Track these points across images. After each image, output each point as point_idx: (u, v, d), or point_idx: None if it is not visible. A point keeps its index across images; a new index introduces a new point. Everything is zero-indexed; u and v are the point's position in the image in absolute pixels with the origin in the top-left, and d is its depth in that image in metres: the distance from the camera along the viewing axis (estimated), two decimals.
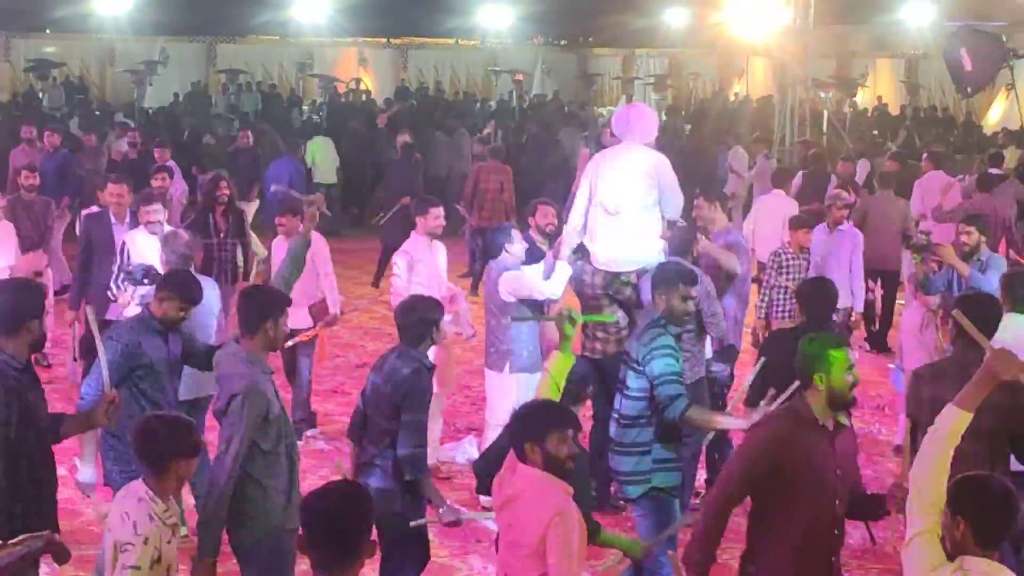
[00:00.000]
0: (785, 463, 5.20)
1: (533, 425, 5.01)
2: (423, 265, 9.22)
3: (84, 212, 12.42)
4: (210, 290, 7.77)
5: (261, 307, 6.00)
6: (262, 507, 5.85)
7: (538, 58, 37.71)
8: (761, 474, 5.25)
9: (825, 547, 5.32)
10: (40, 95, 29.84)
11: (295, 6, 35.19)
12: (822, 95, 24.92)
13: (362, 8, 34.86)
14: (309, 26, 35.87)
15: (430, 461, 7.28)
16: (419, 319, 6.49)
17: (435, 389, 6.73)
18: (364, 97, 32.75)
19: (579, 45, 41.03)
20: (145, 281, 7.93)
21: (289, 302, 6.26)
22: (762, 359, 7.12)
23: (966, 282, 8.96)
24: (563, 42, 41.57)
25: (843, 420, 5.39)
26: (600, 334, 8.78)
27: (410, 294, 7.80)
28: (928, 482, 4.41)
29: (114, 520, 4.98)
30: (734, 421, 6.87)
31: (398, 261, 9.24)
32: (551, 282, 8.58)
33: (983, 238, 9.33)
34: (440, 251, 9.56)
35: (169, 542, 4.94)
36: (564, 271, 8.62)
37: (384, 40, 38.46)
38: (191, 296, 6.76)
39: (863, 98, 33.44)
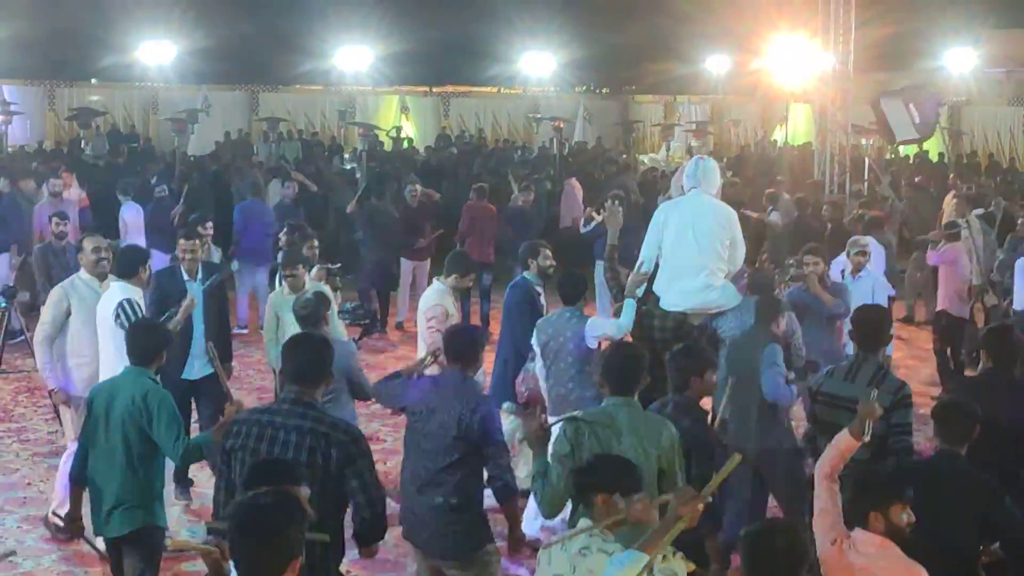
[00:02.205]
0: None
1: (877, 495, 5.20)
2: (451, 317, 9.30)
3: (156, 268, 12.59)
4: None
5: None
6: None
7: (579, 105, 37.72)
8: None
9: None
10: (83, 144, 30.01)
11: (337, 55, 35.39)
12: (863, 142, 24.73)
13: (404, 57, 35.07)
14: (351, 75, 36.05)
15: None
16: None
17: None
18: (406, 144, 32.85)
19: (621, 93, 41.04)
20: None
21: None
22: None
23: (834, 306, 10.08)
24: (605, 90, 41.62)
25: None
26: None
27: None
28: None
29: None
30: None
31: (435, 314, 9.26)
32: (623, 316, 8.75)
33: (826, 267, 10.55)
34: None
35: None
36: (631, 306, 8.78)
37: (426, 88, 38.61)
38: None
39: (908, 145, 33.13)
